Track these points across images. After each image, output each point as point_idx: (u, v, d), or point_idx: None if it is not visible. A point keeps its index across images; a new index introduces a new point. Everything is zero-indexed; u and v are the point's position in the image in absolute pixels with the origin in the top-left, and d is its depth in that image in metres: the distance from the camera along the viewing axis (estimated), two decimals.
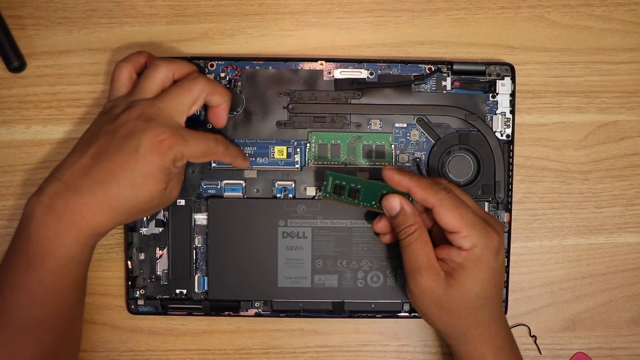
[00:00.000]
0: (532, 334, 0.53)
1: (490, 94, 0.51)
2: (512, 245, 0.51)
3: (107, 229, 0.43)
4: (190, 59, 0.50)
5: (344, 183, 0.46)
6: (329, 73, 0.51)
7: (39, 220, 0.41)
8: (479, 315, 0.45)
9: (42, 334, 0.43)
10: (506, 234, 0.51)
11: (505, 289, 0.51)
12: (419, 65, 0.51)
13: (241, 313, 0.51)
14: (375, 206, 0.47)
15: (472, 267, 0.44)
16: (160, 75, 0.44)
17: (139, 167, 0.41)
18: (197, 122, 0.50)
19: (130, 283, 0.51)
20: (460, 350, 0.47)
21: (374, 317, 0.51)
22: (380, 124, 0.51)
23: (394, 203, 0.46)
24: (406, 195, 0.45)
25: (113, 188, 0.41)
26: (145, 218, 0.50)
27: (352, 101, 0.51)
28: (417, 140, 0.51)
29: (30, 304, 0.42)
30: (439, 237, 0.46)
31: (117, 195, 0.42)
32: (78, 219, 0.41)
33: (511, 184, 0.51)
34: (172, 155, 0.42)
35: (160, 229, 0.50)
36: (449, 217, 0.44)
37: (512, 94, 0.51)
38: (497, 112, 0.51)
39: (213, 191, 0.50)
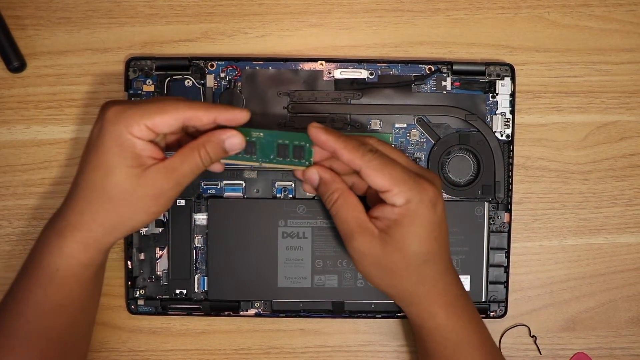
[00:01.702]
0: (532, 334, 0.53)
1: (490, 94, 0.51)
2: (512, 245, 0.51)
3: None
4: (190, 59, 0.50)
5: (245, 137, 0.43)
6: (329, 73, 0.51)
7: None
8: (422, 272, 0.43)
9: (30, 349, 0.43)
10: (506, 234, 0.51)
11: (505, 289, 0.51)
12: (419, 66, 0.51)
13: (241, 313, 0.51)
14: (274, 161, 0.44)
15: (407, 222, 0.42)
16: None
17: (98, 145, 0.41)
18: None
19: (130, 283, 0.51)
20: (411, 311, 0.45)
21: (374, 317, 0.51)
22: (380, 124, 0.51)
23: (313, 175, 0.44)
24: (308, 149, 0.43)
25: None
26: None
27: (352, 101, 0.51)
28: (417, 141, 0.51)
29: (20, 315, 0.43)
30: (375, 197, 0.44)
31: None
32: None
33: (511, 184, 0.51)
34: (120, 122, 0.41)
35: (160, 229, 0.50)
36: (378, 177, 0.42)
37: (512, 94, 0.51)
38: (497, 112, 0.51)
39: (213, 191, 0.50)
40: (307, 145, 0.44)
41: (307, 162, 0.45)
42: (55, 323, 0.43)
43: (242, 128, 0.43)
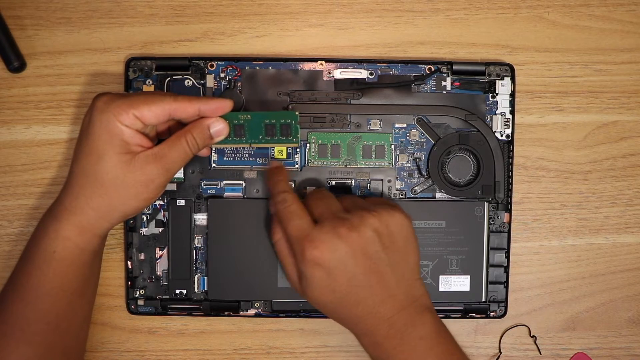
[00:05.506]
0: (532, 334, 0.53)
1: (490, 94, 0.51)
2: (512, 245, 0.51)
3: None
4: (190, 59, 0.50)
5: (233, 121, 0.46)
6: (329, 73, 0.51)
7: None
8: (337, 316, 0.45)
9: (30, 336, 0.43)
10: (506, 234, 0.51)
11: (505, 289, 0.51)
12: (419, 66, 0.51)
13: (241, 313, 0.51)
14: (263, 141, 0.47)
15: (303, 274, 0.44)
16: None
17: (91, 134, 0.43)
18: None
19: (130, 283, 0.51)
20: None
21: None
22: (380, 124, 0.51)
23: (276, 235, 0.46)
24: None
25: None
26: (145, 218, 0.50)
27: (352, 101, 0.51)
28: (417, 141, 0.51)
29: (19, 301, 0.43)
30: None
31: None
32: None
33: (511, 184, 0.51)
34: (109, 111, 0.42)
35: (160, 229, 0.51)
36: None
37: (512, 94, 0.51)
38: (496, 112, 0.51)
39: (213, 191, 0.51)
40: (293, 122, 0.46)
41: (294, 139, 0.47)
42: (53, 306, 0.43)
43: (230, 113, 0.45)
